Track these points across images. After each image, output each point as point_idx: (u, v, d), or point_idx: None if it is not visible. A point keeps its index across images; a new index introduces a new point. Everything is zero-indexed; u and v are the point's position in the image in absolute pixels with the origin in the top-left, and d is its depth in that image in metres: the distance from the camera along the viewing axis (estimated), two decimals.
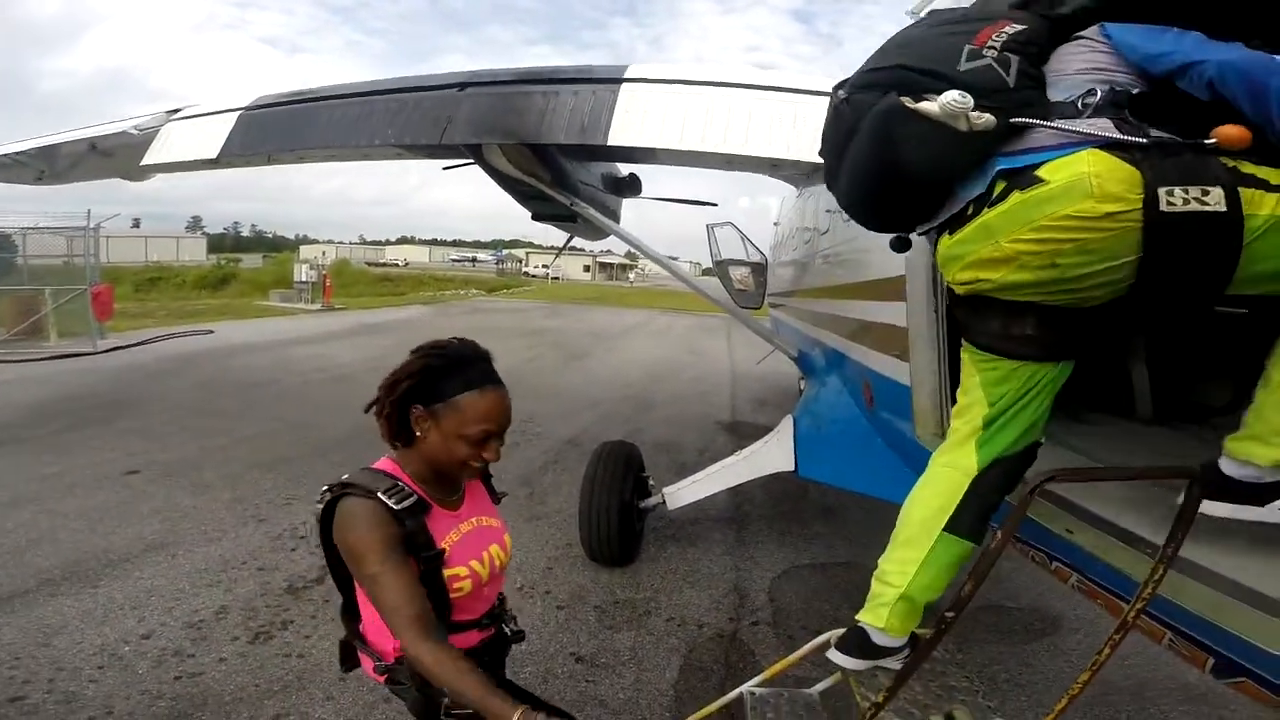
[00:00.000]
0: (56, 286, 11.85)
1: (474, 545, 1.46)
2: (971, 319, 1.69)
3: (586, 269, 77.43)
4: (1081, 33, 1.57)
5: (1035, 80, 1.52)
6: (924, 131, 1.47)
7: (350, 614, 1.49)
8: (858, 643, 1.79)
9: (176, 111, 4.66)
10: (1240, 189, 1.28)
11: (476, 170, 4.22)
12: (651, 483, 4.32)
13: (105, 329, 12.49)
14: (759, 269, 8.91)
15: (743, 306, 9.23)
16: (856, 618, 1.80)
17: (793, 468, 3.70)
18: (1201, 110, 1.36)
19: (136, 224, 60.86)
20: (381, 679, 1.42)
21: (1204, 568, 1.52)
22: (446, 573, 1.37)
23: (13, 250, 12.20)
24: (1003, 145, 1.47)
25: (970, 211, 1.53)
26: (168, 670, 2.89)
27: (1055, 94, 1.50)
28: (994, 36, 1.51)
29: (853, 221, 2.09)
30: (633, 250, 6.11)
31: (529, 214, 5.27)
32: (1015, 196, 1.42)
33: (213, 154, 4.05)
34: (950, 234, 1.59)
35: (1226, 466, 1.56)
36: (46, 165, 5.92)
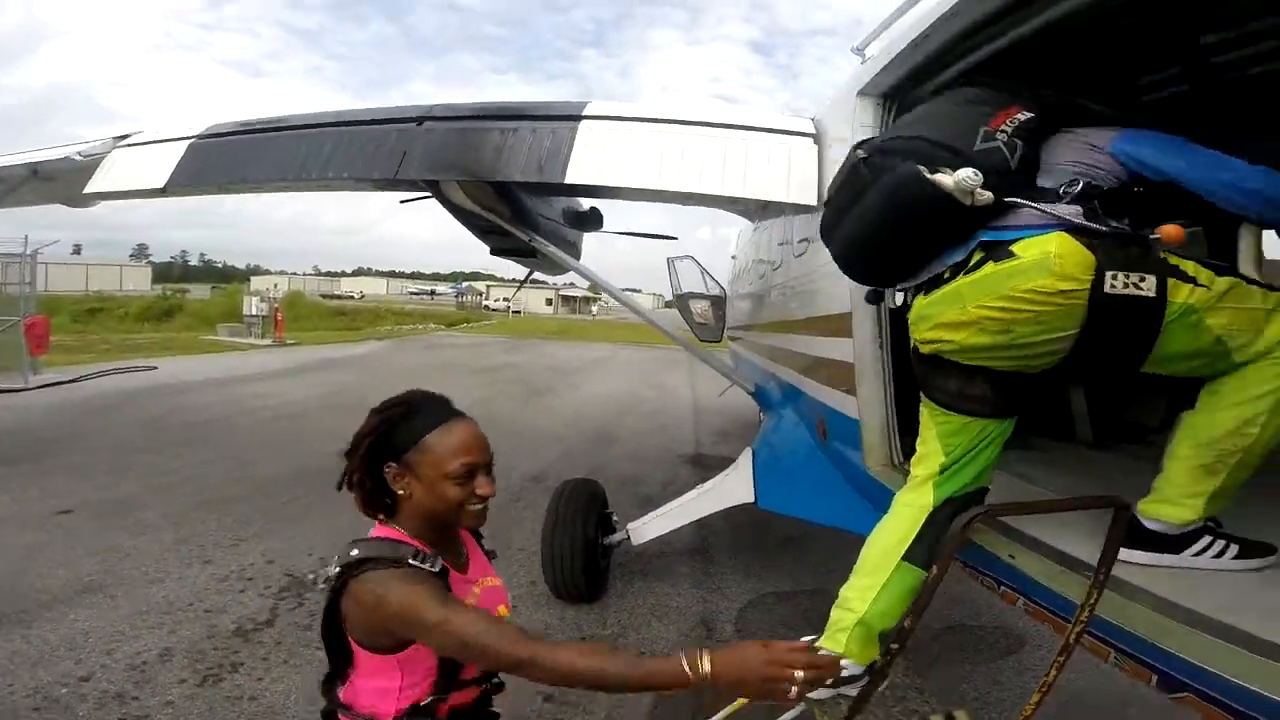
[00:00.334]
0: None
1: (486, 605, 1.43)
2: (931, 378, 1.90)
3: (549, 302, 77.38)
4: (1076, 130, 1.84)
5: (1031, 165, 1.75)
6: (932, 199, 1.65)
7: (332, 684, 1.39)
8: (860, 678, 1.84)
9: (124, 138, 4.58)
10: (1168, 279, 1.56)
11: (435, 202, 4.24)
12: (615, 519, 4.32)
13: (40, 364, 11.94)
14: (718, 302, 9.07)
15: (703, 340, 9.37)
16: (816, 645, 1.85)
17: (753, 499, 3.75)
18: (1151, 202, 1.67)
19: (77, 250, 58.52)
20: None
21: (1142, 589, 1.62)
22: None
23: None
24: (989, 219, 1.68)
25: (947, 276, 1.74)
26: (109, 713, 2.78)
27: (1043, 180, 1.73)
28: (1007, 121, 1.73)
29: (802, 257, 2.24)
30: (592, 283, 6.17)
31: (487, 248, 5.29)
32: (989, 267, 1.64)
33: (159, 184, 3.98)
34: (925, 294, 1.80)
35: (1145, 522, 1.77)
36: None
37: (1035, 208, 1.63)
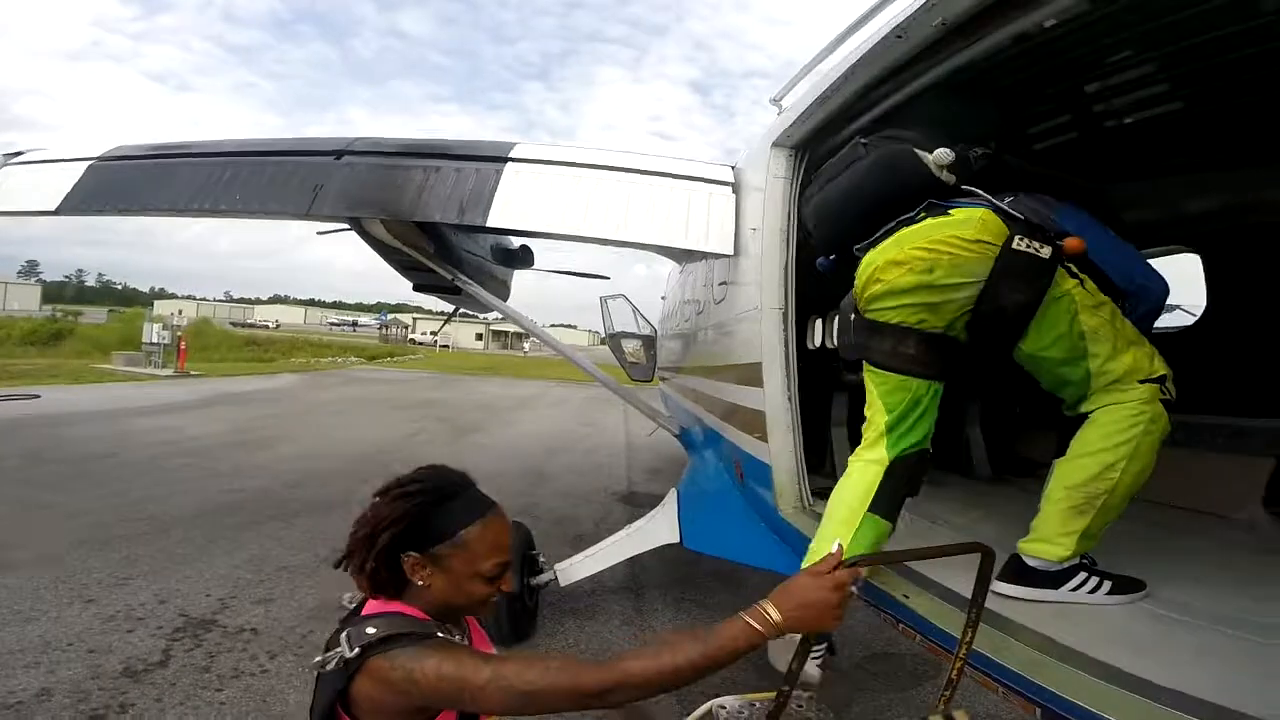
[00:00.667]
0: None
1: None
2: (871, 341, 2.20)
3: (479, 337, 76.15)
4: (1043, 195, 2.27)
5: (985, 175, 2.15)
6: (913, 171, 2.07)
7: None
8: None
9: (18, 155, 4.35)
10: (1060, 265, 1.99)
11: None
12: (542, 559, 4.29)
13: None
14: (649, 342, 9.21)
15: (634, 379, 9.47)
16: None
17: (678, 539, 3.81)
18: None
19: None
20: None
21: (1020, 625, 1.76)
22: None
23: None
24: (942, 195, 2.08)
25: (892, 227, 2.11)
26: None
27: (994, 196, 2.10)
28: (976, 147, 2.17)
29: (721, 303, 2.42)
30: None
31: (410, 285, 5.24)
32: (927, 219, 2.05)
33: (51, 206, 3.79)
34: (875, 247, 2.14)
35: (1026, 559, 2.02)
36: None
37: (978, 194, 2.08)
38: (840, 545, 1.18)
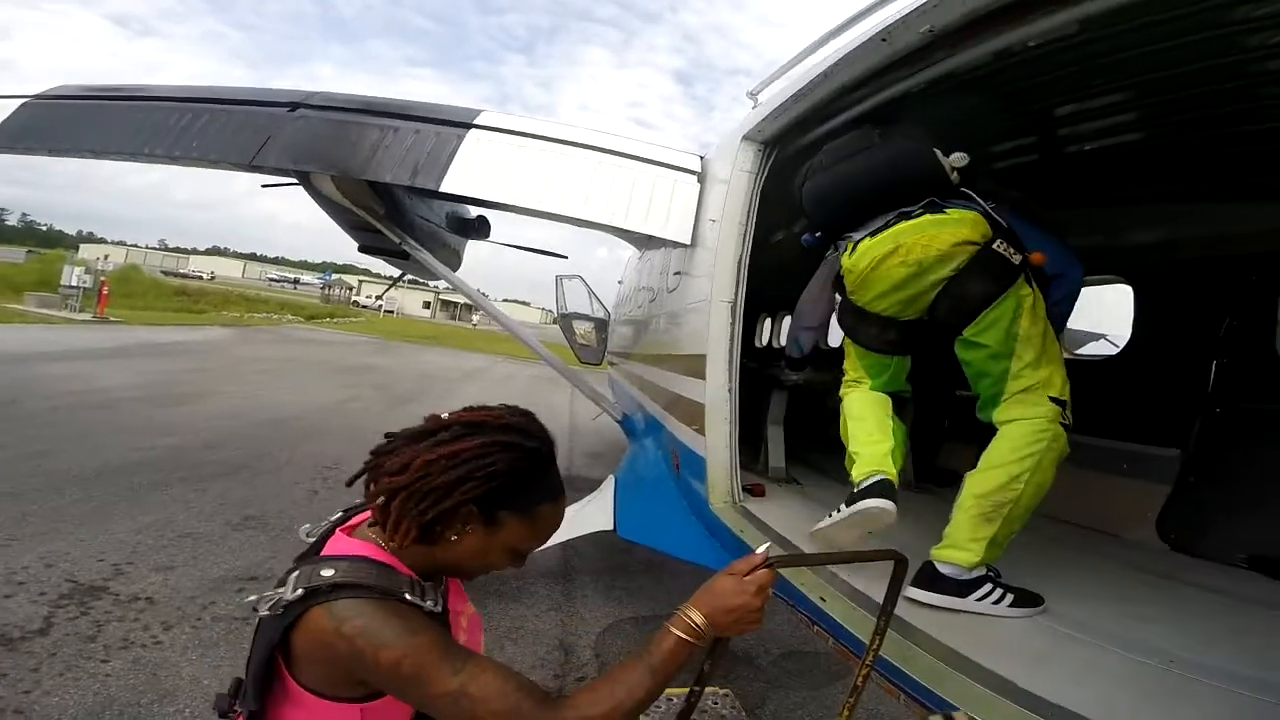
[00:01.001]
0: None
1: (473, 638, 1.24)
2: (859, 325, 2.56)
3: (426, 305, 74.56)
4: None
5: (979, 188, 2.43)
6: (928, 167, 2.34)
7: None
8: (883, 489, 2.27)
9: None
10: (1025, 272, 2.30)
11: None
12: None
13: None
14: (601, 325, 9.20)
15: (583, 361, 9.46)
16: (857, 478, 2.35)
17: (613, 527, 3.83)
18: None
19: None
20: None
21: (924, 633, 1.84)
22: None
23: None
24: (942, 195, 2.35)
25: (891, 222, 2.34)
26: None
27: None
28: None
29: (674, 292, 2.46)
30: (480, 290, 6.07)
31: (355, 245, 5.10)
32: (927, 216, 2.31)
33: None
34: (871, 238, 2.37)
35: (939, 565, 2.15)
36: None
37: (973, 197, 2.36)
38: (769, 546, 1.19)
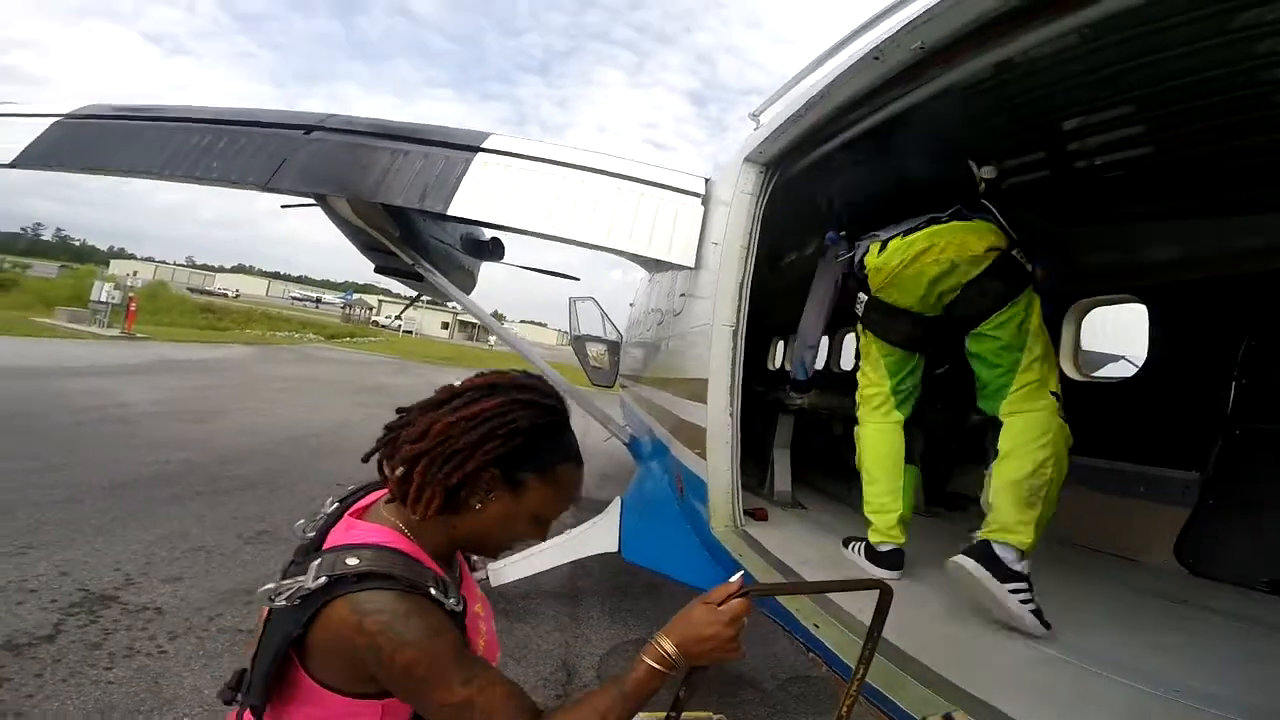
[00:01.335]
0: None
1: (491, 629, 1.25)
2: (887, 322, 2.74)
3: (445, 326, 75.17)
4: None
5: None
6: (965, 177, 2.60)
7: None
8: (895, 559, 2.64)
9: None
10: (1033, 281, 2.55)
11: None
12: (475, 559, 4.25)
13: None
14: (614, 347, 9.23)
15: (595, 383, 9.49)
16: (873, 541, 2.67)
17: (617, 549, 3.83)
18: None
19: None
20: None
21: (913, 659, 1.82)
22: None
23: None
24: (967, 204, 2.57)
25: (922, 225, 2.54)
26: None
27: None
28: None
29: (679, 316, 2.55)
30: (497, 311, 6.14)
31: (371, 266, 5.19)
32: (957, 222, 2.52)
33: (8, 158, 3.71)
34: (903, 237, 2.56)
35: (994, 546, 2.27)
36: None
37: (992, 210, 2.58)
38: (741, 575, 1.17)
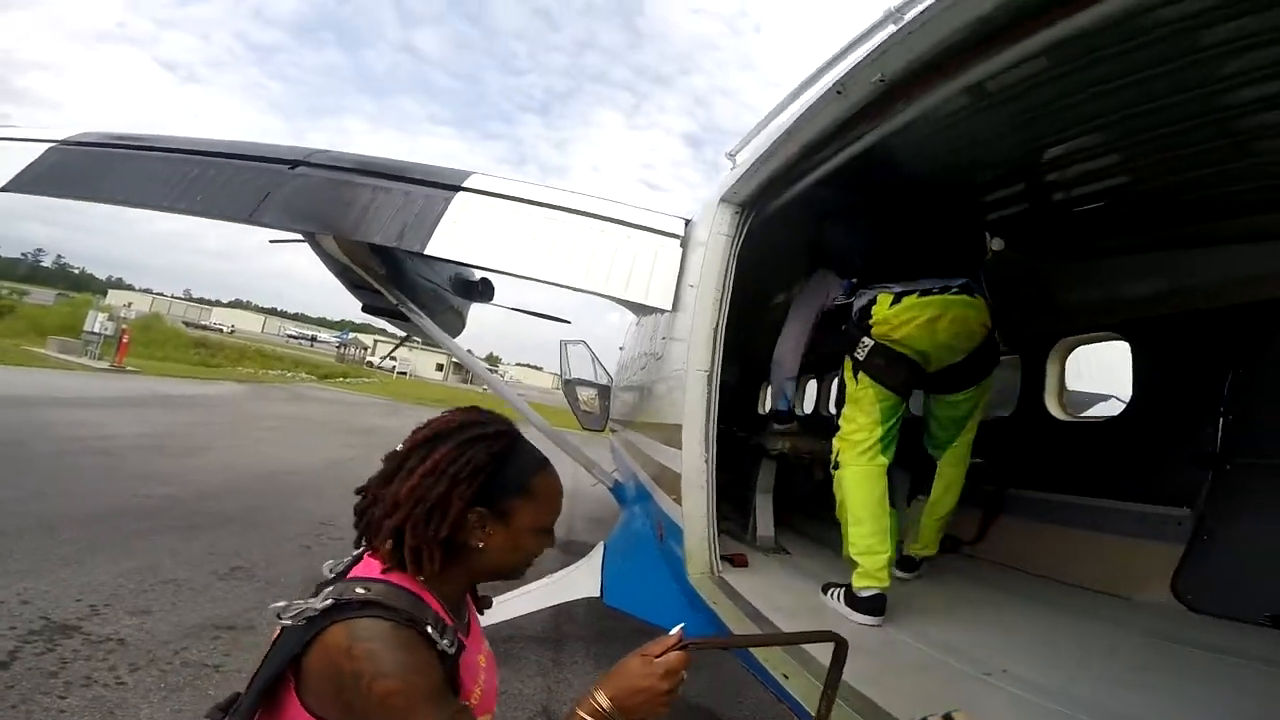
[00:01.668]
0: None
1: (490, 681, 1.23)
2: (889, 367, 2.84)
3: (439, 367, 74.94)
4: None
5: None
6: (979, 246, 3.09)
7: None
8: (877, 604, 2.60)
9: None
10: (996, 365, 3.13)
11: None
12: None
13: None
14: (604, 391, 9.21)
15: (585, 428, 9.44)
16: (857, 586, 2.64)
17: (599, 594, 3.75)
18: None
19: None
20: None
21: (886, 712, 1.76)
22: None
23: None
24: (968, 273, 2.86)
25: (936, 290, 2.76)
26: None
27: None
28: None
29: (660, 360, 2.58)
30: (492, 354, 6.13)
31: (359, 304, 5.20)
32: (966, 297, 2.78)
33: None
34: (919, 297, 2.75)
35: (915, 557, 3.29)
36: None
37: (981, 286, 2.90)
38: (682, 627, 1.15)
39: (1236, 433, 3.05)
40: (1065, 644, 2.53)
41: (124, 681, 3.29)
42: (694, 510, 2.82)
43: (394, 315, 5.17)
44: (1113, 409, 3.93)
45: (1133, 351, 3.62)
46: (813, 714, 1.85)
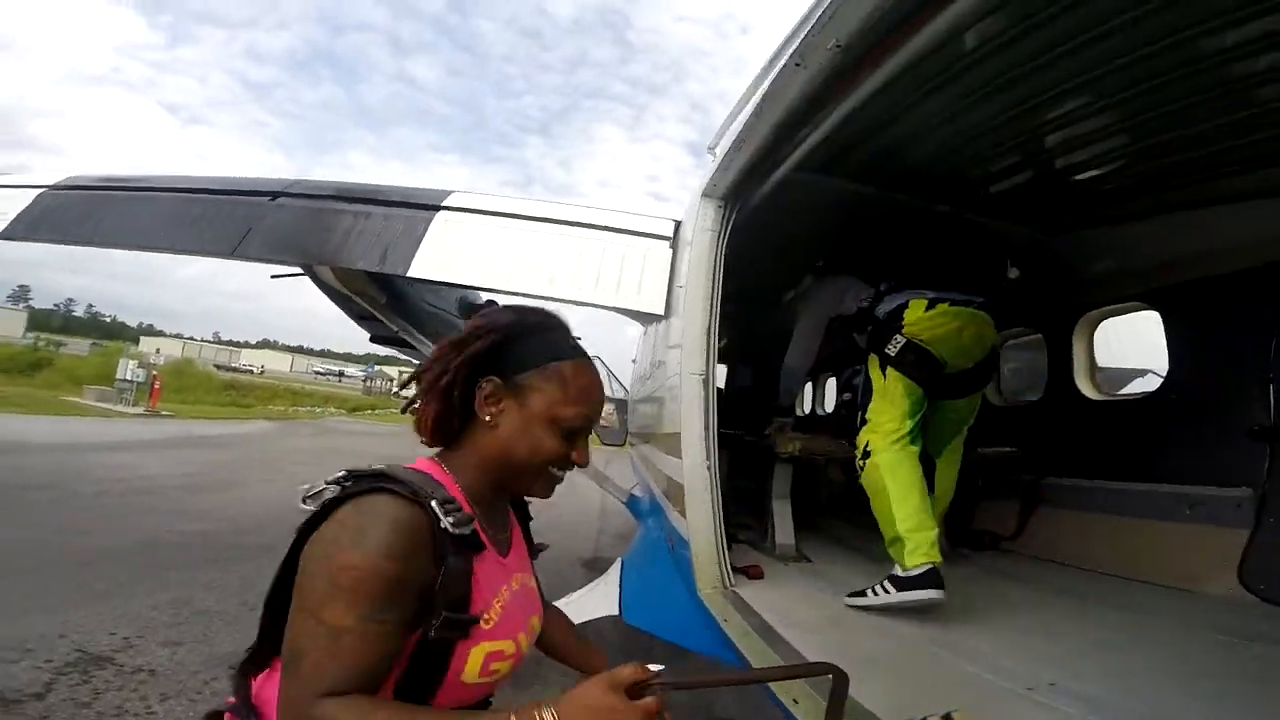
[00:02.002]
0: None
1: (522, 608, 1.11)
2: (919, 363, 2.93)
3: None
4: None
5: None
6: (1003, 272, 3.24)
7: (248, 671, 1.04)
8: (934, 578, 2.48)
9: None
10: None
11: None
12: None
13: None
14: (621, 405, 9.13)
15: (605, 443, 9.37)
16: (910, 564, 2.52)
17: (618, 612, 3.63)
18: None
19: None
20: None
21: None
22: (486, 647, 1.00)
23: None
24: (992, 294, 3.08)
25: (958, 300, 2.94)
26: None
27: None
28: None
29: (661, 368, 2.41)
30: None
31: (367, 335, 5.20)
32: (982, 314, 2.98)
33: None
34: (950, 305, 2.92)
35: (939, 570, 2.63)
36: None
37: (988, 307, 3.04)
38: (661, 669, 0.96)
39: None
40: (1121, 649, 2.25)
41: (154, 710, 3.35)
42: (699, 521, 2.66)
43: (400, 344, 5.16)
44: (1150, 384, 3.66)
45: (1164, 321, 3.39)
46: None
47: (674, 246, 3.29)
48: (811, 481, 4.40)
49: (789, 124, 2.21)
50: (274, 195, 3.44)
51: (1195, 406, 3.19)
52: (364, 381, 69.12)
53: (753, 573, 3.07)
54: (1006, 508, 3.89)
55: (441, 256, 3.11)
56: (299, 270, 4.13)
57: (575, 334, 1.15)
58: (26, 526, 6.43)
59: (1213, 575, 2.85)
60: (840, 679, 1.15)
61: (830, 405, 7.78)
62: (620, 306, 3.18)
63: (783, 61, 1.99)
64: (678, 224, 3.42)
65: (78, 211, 3.81)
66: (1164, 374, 3.45)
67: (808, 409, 8.50)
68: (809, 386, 8.45)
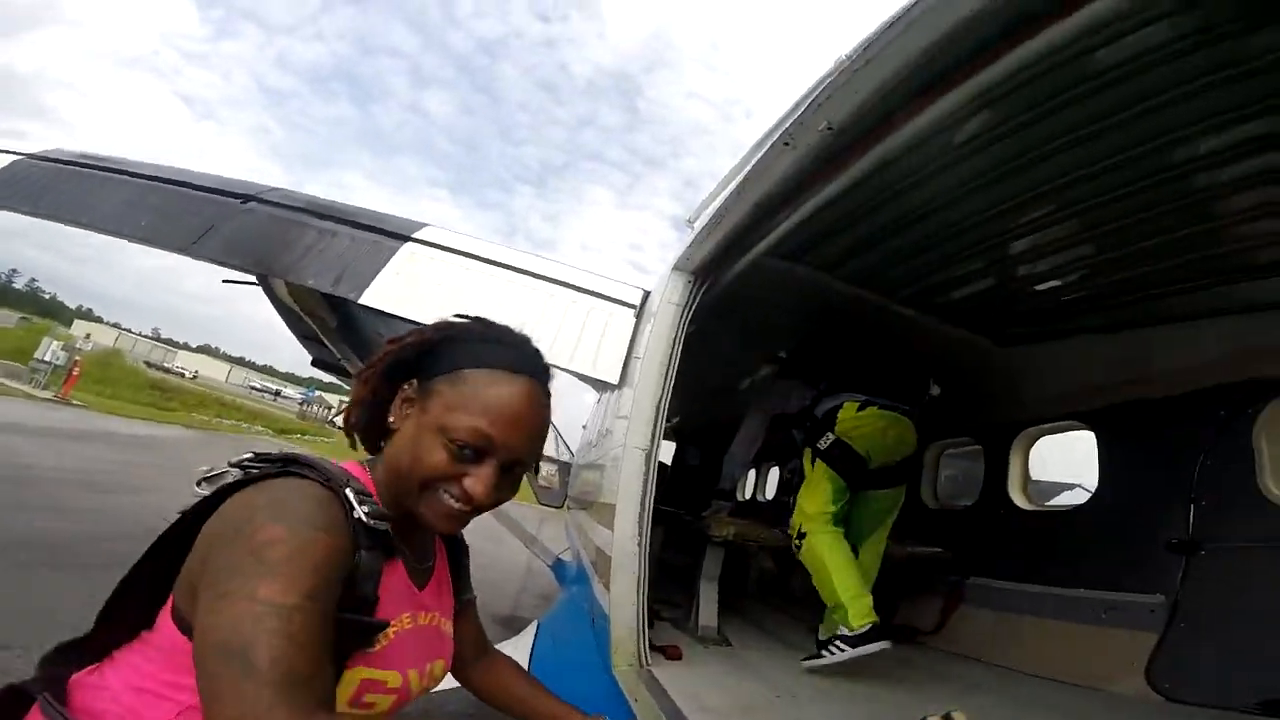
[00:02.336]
0: None
1: (423, 647, 1.01)
2: (845, 458, 3.25)
3: None
4: None
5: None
6: (925, 389, 3.44)
7: (66, 658, 0.95)
8: (878, 633, 2.87)
9: None
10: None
11: None
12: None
13: None
14: (564, 468, 9.04)
15: (543, 503, 9.20)
16: (856, 625, 2.88)
17: None
18: None
19: None
20: None
21: None
22: (364, 672, 0.88)
23: None
24: (913, 403, 3.38)
25: (887, 405, 3.25)
26: None
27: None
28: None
29: (612, 434, 2.81)
30: None
31: (309, 356, 5.05)
32: (907, 419, 3.31)
33: None
34: (879, 409, 3.23)
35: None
36: None
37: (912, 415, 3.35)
38: None
39: (1208, 518, 2.94)
40: None
41: None
42: (621, 596, 2.58)
43: (341, 372, 5.00)
44: (1079, 498, 3.86)
45: (1098, 440, 3.55)
46: None
47: (639, 316, 3.30)
48: (742, 565, 4.36)
49: (769, 204, 2.23)
50: (245, 199, 3.36)
51: (1119, 519, 3.33)
52: (300, 404, 66.51)
53: (670, 653, 2.99)
54: (930, 604, 3.94)
55: (399, 288, 3.02)
56: (252, 279, 4.01)
57: (537, 358, 1.07)
58: None
59: (1122, 675, 2.93)
60: None
61: (771, 493, 7.82)
62: (574, 370, 3.13)
63: (772, 140, 2.01)
64: (646, 294, 3.43)
65: (44, 183, 3.67)
66: (1092, 488, 3.62)
67: (749, 494, 8.53)
68: (752, 473, 8.51)
